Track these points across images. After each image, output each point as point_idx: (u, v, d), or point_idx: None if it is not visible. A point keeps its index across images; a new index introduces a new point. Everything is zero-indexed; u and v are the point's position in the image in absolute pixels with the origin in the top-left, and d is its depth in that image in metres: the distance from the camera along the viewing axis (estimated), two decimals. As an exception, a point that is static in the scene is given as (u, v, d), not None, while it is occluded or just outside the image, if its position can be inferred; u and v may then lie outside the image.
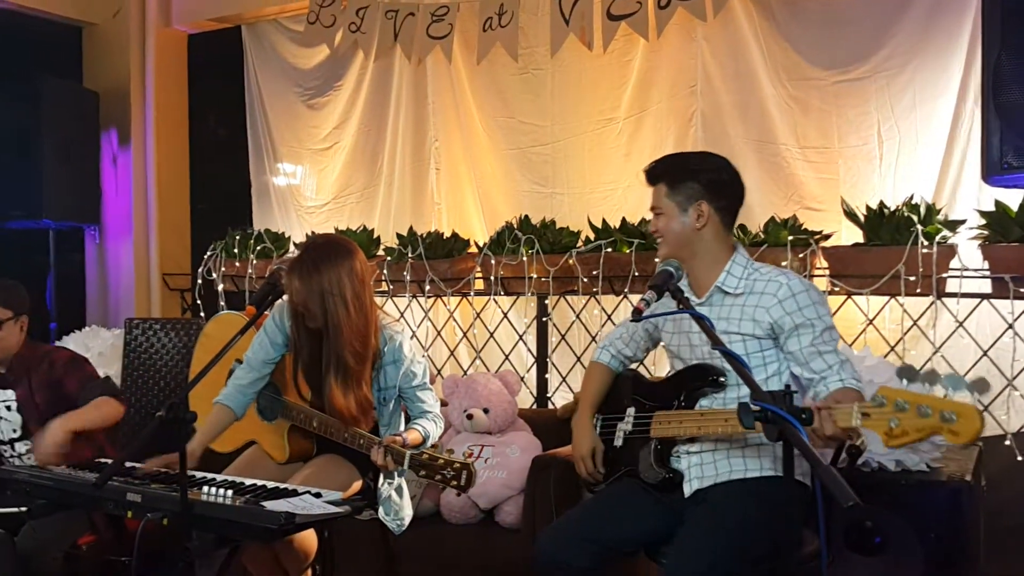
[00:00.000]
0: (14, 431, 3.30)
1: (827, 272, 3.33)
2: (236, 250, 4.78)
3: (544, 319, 4.03)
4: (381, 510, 2.81)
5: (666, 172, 2.53)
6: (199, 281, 4.98)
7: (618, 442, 2.61)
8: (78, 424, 3.05)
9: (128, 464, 2.63)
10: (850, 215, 3.34)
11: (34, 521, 2.97)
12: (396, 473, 2.78)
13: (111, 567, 3.16)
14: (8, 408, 3.30)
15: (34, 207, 4.90)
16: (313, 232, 4.42)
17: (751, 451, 2.39)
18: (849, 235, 3.45)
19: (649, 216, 3.66)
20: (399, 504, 2.83)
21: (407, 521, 2.84)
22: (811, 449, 1.69)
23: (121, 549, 3.11)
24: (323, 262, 2.62)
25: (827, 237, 3.40)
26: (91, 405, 3.16)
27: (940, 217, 3.19)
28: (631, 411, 2.61)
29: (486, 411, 3.62)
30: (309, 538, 2.69)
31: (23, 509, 2.91)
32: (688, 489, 2.42)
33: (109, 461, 2.84)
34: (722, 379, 2.41)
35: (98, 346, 4.61)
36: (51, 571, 3.09)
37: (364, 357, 2.67)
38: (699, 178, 2.47)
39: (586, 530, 2.45)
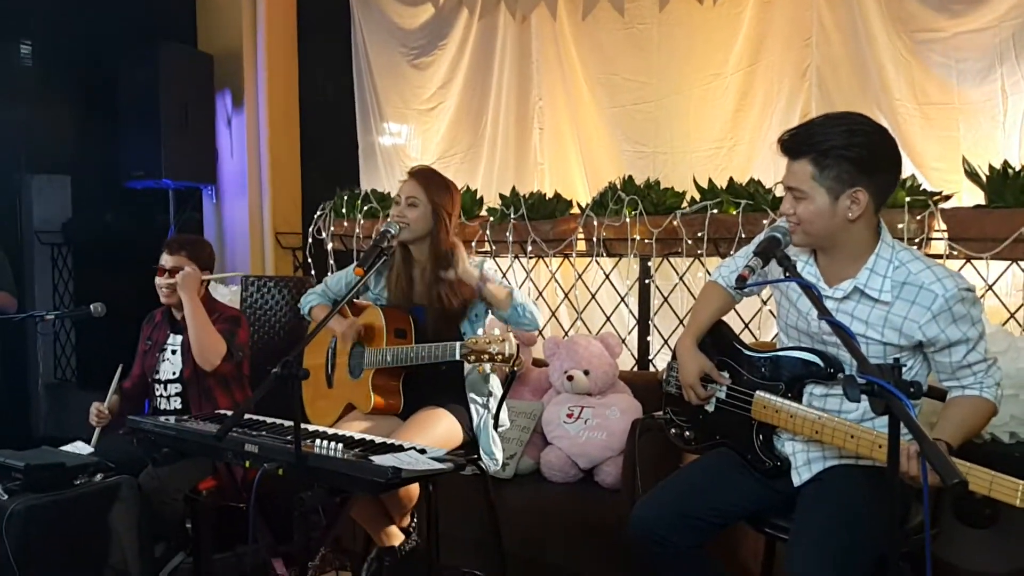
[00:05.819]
0: (173, 373, 3.51)
1: (945, 235, 3.20)
2: (344, 210, 4.89)
3: (647, 281, 3.99)
4: (480, 444, 3.00)
5: (812, 145, 2.10)
6: (310, 240, 5.13)
7: (709, 407, 2.51)
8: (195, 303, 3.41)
9: (247, 416, 2.74)
10: (971, 175, 3.18)
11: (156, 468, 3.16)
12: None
13: (228, 512, 3.32)
14: (173, 352, 3.53)
15: (154, 168, 5.12)
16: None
17: None
18: (970, 196, 3.29)
19: (760, 176, 3.63)
20: (496, 442, 3.05)
21: (501, 459, 3.05)
22: (918, 424, 1.63)
23: (239, 495, 3.25)
24: (439, 178, 3.07)
25: (947, 198, 3.25)
26: (215, 335, 3.41)
27: (1069, 177, 3.01)
28: (725, 375, 2.47)
29: (586, 373, 3.63)
30: (413, 487, 2.88)
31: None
32: (797, 479, 2.30)
33: (229, 413, 2.97)
34: (840, 374, 2.20)
35: (215, 301, 4.80)
36: (172, 512, 3.28)
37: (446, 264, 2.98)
38: (855, 154, 2.06)
39: (684, 506, 2.33)
